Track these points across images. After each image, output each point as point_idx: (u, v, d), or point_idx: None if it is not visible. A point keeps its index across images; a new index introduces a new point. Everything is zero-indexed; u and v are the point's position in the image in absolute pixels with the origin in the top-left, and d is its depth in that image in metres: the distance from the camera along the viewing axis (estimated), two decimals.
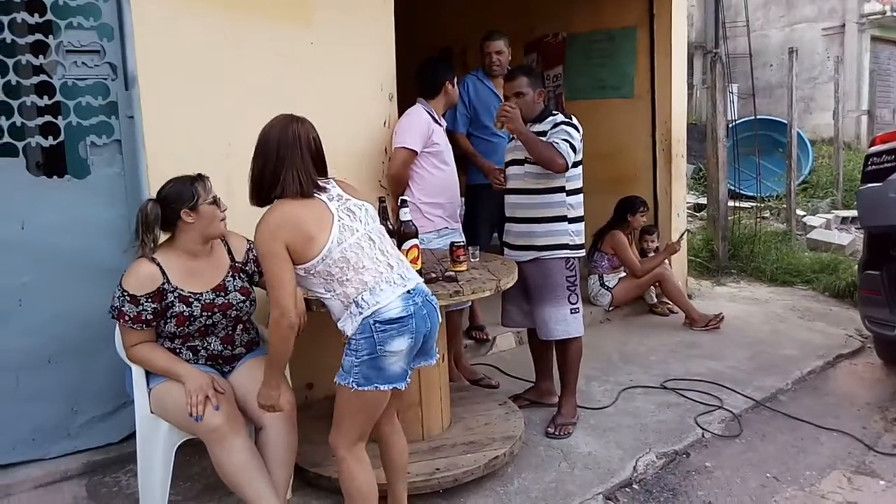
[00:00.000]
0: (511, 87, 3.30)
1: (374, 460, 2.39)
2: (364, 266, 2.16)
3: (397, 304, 2.14)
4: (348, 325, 2.17)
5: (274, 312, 2.13)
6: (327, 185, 2.25)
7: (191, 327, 2.52)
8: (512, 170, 3.36)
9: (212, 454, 2.38)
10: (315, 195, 2.20)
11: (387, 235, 2.32)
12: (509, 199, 3.41)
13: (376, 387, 2.15)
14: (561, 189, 3.25)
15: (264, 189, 2.22)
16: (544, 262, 3.30)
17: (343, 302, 2.17)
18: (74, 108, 2.85)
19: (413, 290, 2.21)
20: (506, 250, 3.45)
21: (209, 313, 2.54)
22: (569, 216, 3.29)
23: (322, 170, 2.27)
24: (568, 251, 3.30)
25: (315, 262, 2.14)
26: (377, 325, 2.12)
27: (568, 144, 3.14)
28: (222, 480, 2.42)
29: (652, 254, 5.31)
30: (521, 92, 3.27)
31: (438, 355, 2.38)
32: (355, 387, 2.15)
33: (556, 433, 3.31)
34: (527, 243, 3.32)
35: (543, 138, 3.18)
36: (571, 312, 3.33)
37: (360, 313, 2.14)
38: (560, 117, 3.28)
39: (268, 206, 2.21)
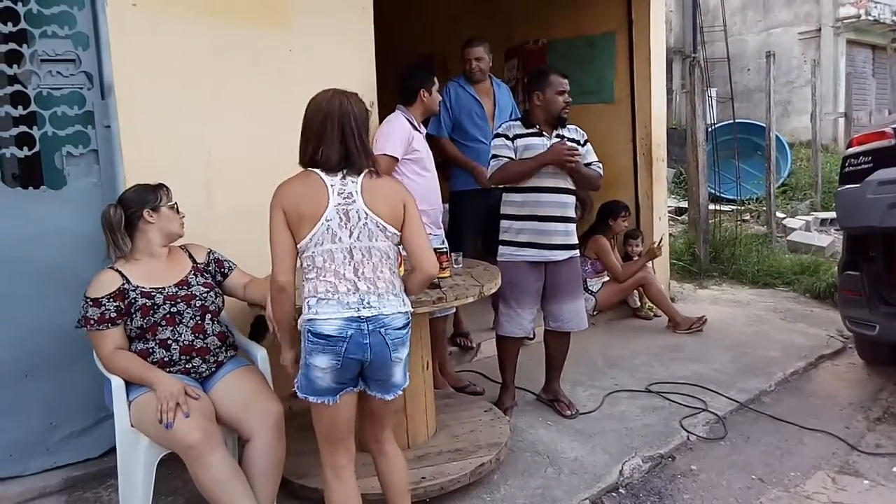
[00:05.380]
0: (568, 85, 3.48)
1: (370, 467, 2.39)
2: (325, 277, 2.13)
3: (334, 323, 2.08)
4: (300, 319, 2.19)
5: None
6: (349, 174, 2.18)
7: (156, 315, 2.52)
8: (550, 168, 3.38)
9: (190, 470, 2.34)
10: (326, 178, 2.16)
11: (384, 258, 2.20)
12: (551, 197, 3.42)
13: (306, 397, 2.15)
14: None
15: (299, 159, 2.24)
16: (575, 259, 3.56)
17: (304, 292, 2.18)
18: (50, 118, 2.82)
19: (369, 318, 2.11)
20: (532, 251, 3.43)
21: (172, 302, 2.56)
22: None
23: (356, 148, 2.19)
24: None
25: (298, 245, 2.16)
26: (309, 334, 2.10)
27: (599, 164, 3.55)
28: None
29: (636, 258, 5.34)
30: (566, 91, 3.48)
31: (400, 392, 2.26)
32: (295, 388, 2.17)
33: (575, 413, 3.59)
34: (565, 242, 3.48)
35: (579, 147, 3.43)
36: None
37: (303, 314, 2.14)
38: (579, 129, 3.55)
39: None
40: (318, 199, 2.13)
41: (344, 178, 2.18)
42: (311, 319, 2.10)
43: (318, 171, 2.17)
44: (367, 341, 2.11)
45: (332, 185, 2.15)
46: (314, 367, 2.10)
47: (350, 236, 2.15)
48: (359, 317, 2.10)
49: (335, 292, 2.11)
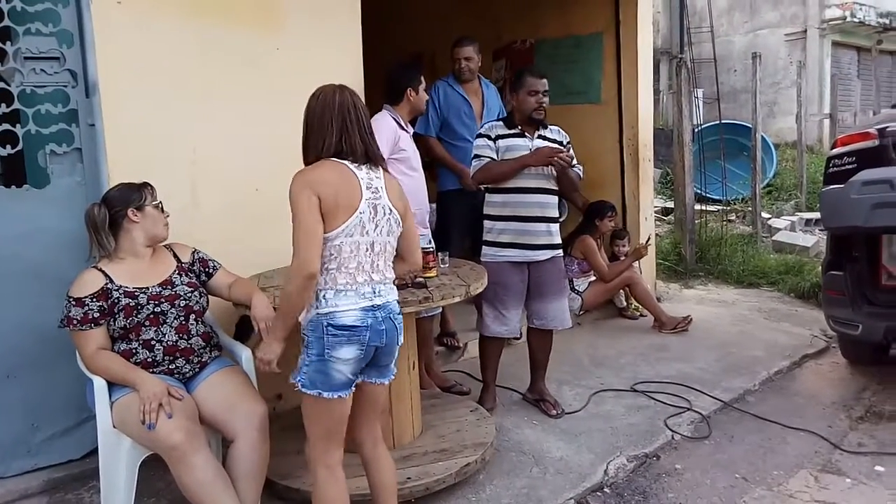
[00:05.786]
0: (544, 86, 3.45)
1: (354, 468, 2.37)
2: (347, 267, 2.14)
3: (354, 313, 2.13)
4: (304, 313, 2.17)
5: (294, 261, 2.08)
6: (372, 169, 2.22)
7: (139, 315, 2.50)
8: (532, 168, 3.39)
9: (173, 472, 2.33)
10: (355, 170, 2.17)
11: (392, 252, 2.28)
12: (534, 198, 3.43)
13: (319, 393, 2.13)
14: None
15: (310, 151, 2.22)
16: (558, 259, 3.57)
17: (318, 284, 2.15)
18: (33, 116, 2.79)
19: (380, 306, 2.18)
20: (514, 251, 3.44)
21: (156, 302, 2.54)
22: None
23: (370, 141, 2.23)
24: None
25: (326, 234, 2.12)
26: (329, 327, 2.11)
27: (580, 166, 3.52)
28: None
29: (623, 258, 5.36)
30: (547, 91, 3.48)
31: (393, 375, 2.33)
32: (300, 387, 2.14)
33: (560, 412, 3.59)
34: (548, 242, 3.48)
35: (563, 149, 3.41)
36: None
37: (317, 308, 2.13)
38: (561, 131, 3.57)
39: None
40: (354, 189, 2.15)
41: (368, 171, 2.21)
42: (330, 312, 2.11)
43: (345, 162, 2.18)
44: (383, 327, 2.18)
45: (361, 178, 2.18)
46: (336, 361, 2.11)
47: (375, 230, 2.19)
48: (372, 305, 2.16)
49: (353, 283, 2.15)
